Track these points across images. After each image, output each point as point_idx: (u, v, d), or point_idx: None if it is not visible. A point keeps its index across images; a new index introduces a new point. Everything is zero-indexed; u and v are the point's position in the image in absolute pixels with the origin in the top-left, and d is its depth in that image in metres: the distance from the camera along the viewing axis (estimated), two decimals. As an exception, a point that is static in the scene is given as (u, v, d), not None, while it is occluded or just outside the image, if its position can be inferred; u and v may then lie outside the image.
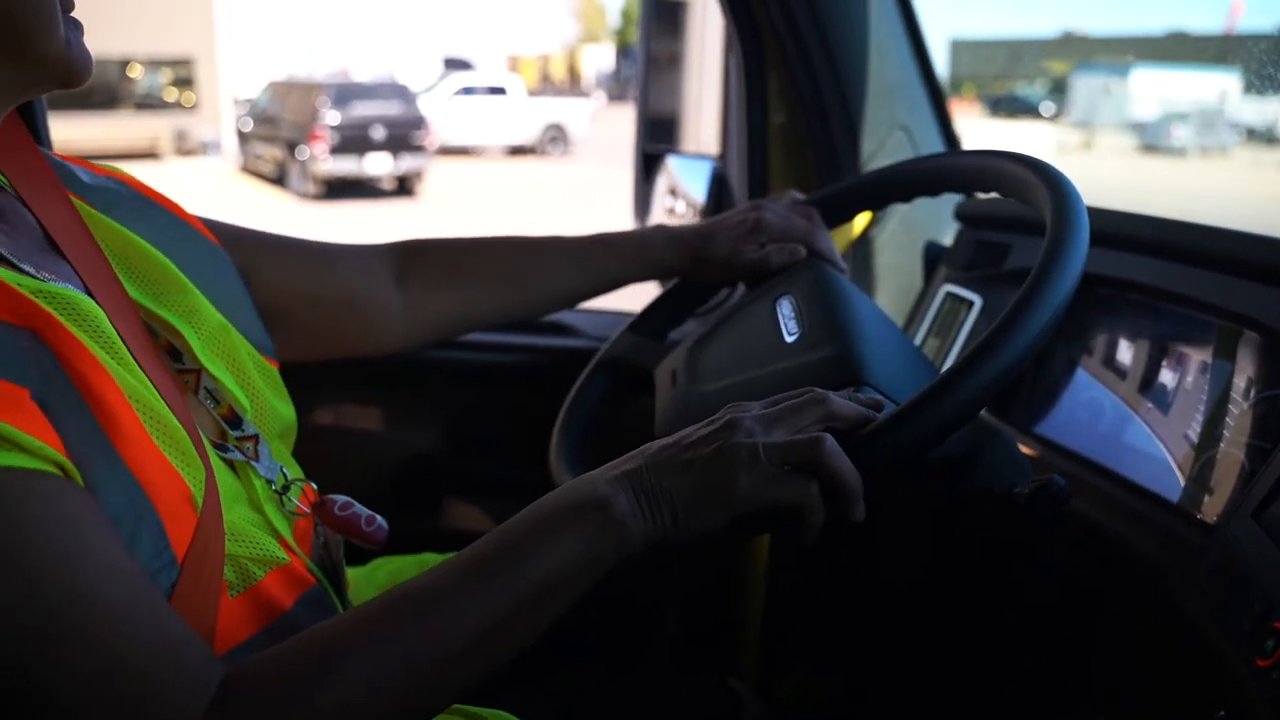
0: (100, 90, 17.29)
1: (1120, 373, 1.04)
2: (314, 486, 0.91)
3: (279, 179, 15.30)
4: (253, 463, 0.81)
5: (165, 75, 19.19)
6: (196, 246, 0.89)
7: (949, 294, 1.32)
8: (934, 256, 1.42)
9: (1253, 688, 0.71)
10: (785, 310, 0.99)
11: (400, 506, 1.08)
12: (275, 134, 15.51)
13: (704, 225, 1.12)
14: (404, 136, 14.52)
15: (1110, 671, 0.99)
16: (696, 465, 0.71)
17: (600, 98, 32.66)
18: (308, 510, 0.87)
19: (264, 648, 0.65)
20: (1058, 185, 0.88)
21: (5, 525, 0.57)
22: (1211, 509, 0.87)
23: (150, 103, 18.90)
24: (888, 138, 1.51)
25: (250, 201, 14.25)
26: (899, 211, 1.53)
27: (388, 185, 14.93)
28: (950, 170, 1.07)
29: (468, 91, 19.51)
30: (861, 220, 1.51)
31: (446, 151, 17.77)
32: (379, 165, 14.40)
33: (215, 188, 15.17)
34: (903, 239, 1.54)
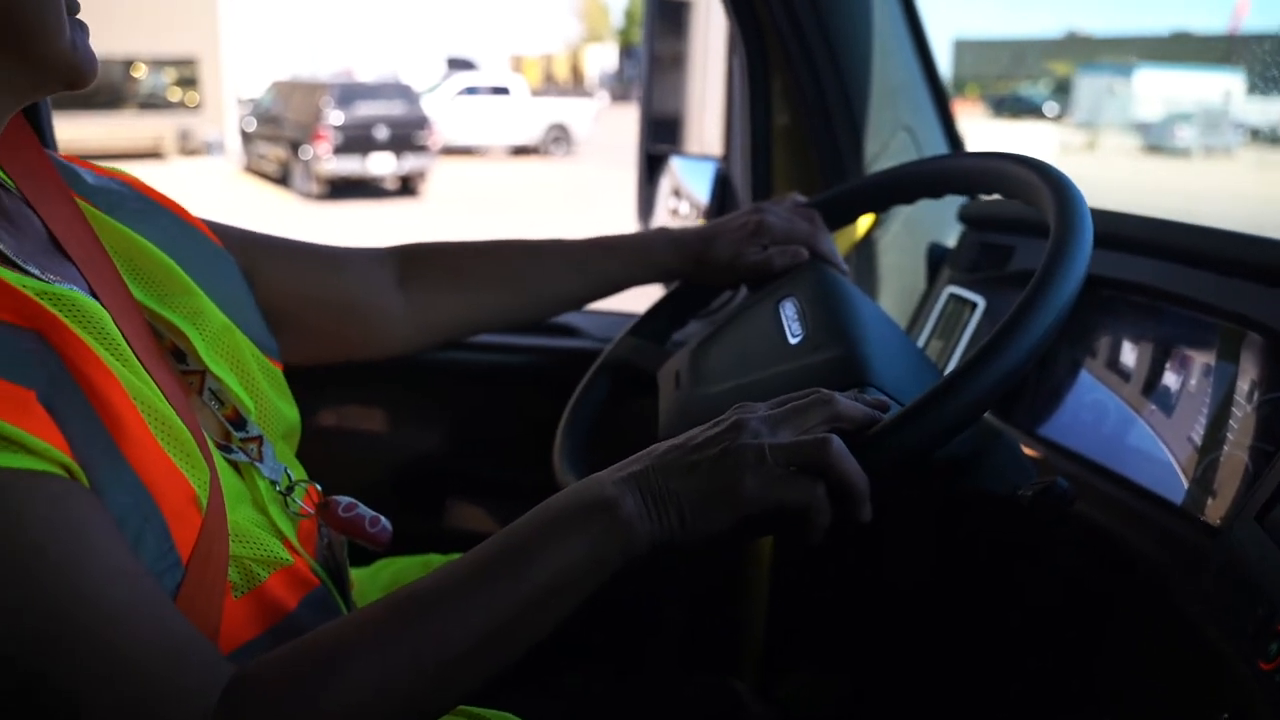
0: (104, 90, 17.32)
1: (1124, 375, 1.04)
2: (318, 487, 0.91)
3: (282, 179, 15.32)
4: (257, 464, 0.82)
5: (169, 75, 19.22)
6: (200, 248, 0.89)
7: (952, 295, 1.32)
8: (937, 258, 1.42)
9: (1256, 691, 0.71)
10: (789, 312, 0.99)
11: (404, 507, 1.08)
12: (279, 134, 15.53)
13: (705, 228, 1.13)
14: (407, 136, 14.53)
15: (1113, 673, 0.99)
16: (703, 466, 0.71)
17: (603, 98, 32.66)
18: (312, 511, 0.88)
19: (268, 649, 0.65)
20: (1061, 187, 0.88)
21: (11, 527, 0.57)
22: (1215, 511, 0.86)
23: (154, 103, 18.93)
24: (891, 139, 1.51)
25: (254, 201, 14.26)
26: (902, 213, 1.53)
27: (391, 185, 14.94)
28: (953, 172, 1.07)
29: (471, 91, 19.53)
30: (865, 222, 1.51)
31: (450, 151, 17.78)
32: (382, 165, 14.41)
33: (219, 187, 15.19)
34: (906, 240, 1.54)
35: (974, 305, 1.26)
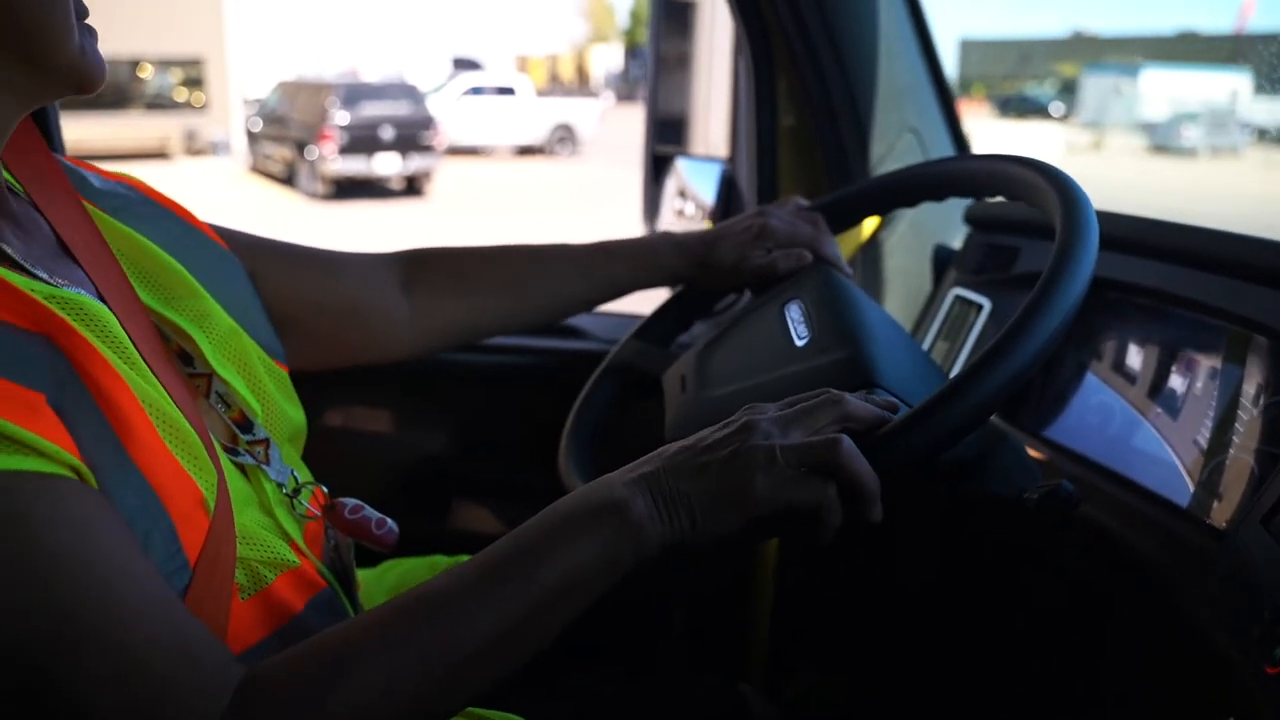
0: (111, 90, 17.33)
1: (1129, 377, 1.04)
2: (324, 489, 0.91)
3: (288, 179, 15.34)
4: (263, 466, 0.82)
5: (175, 75, 19.27)
6: (207, 251, 0.90)
7: (958, 297, 1.32)
8: (943, 260, 1.42)
9: (1261, 694, 0.71)
10: (794, 314, 0.99)
11: (410, 509, 1.08)
12: (284, 134, 15.55)
13: (709, 232, 1.13)
14: (413, 136, 14.54)
15: (1118, 676, 0.99)
16: (714, 468, 0.70)
17: (609, 98, 32.66)
18: (318, 513, 0.88)
19: (275, 651, 0.65)
20: (1066, 189, 0.88)
21: (21, 529, 0.57)
22: (1221, 515, 0.86)
23: (160, 103, 18.97)
24: (897, 140, 1.51)
25: (259, 201, 14.28)
26: (908, 215, 1.53)
27: (396, 185, 14.96)
28: (956, 175, 1.07)
29: (476, 91, 19.54)
30: (870, 224, 1.51)
31: (455, 151, 17.79)
32: (388, 165, 14.42)
33: (225, 187, 15.22)
34: (912, 242, 1.54)
35: (979, 307, 1.26)
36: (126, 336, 0.69)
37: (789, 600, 1.57)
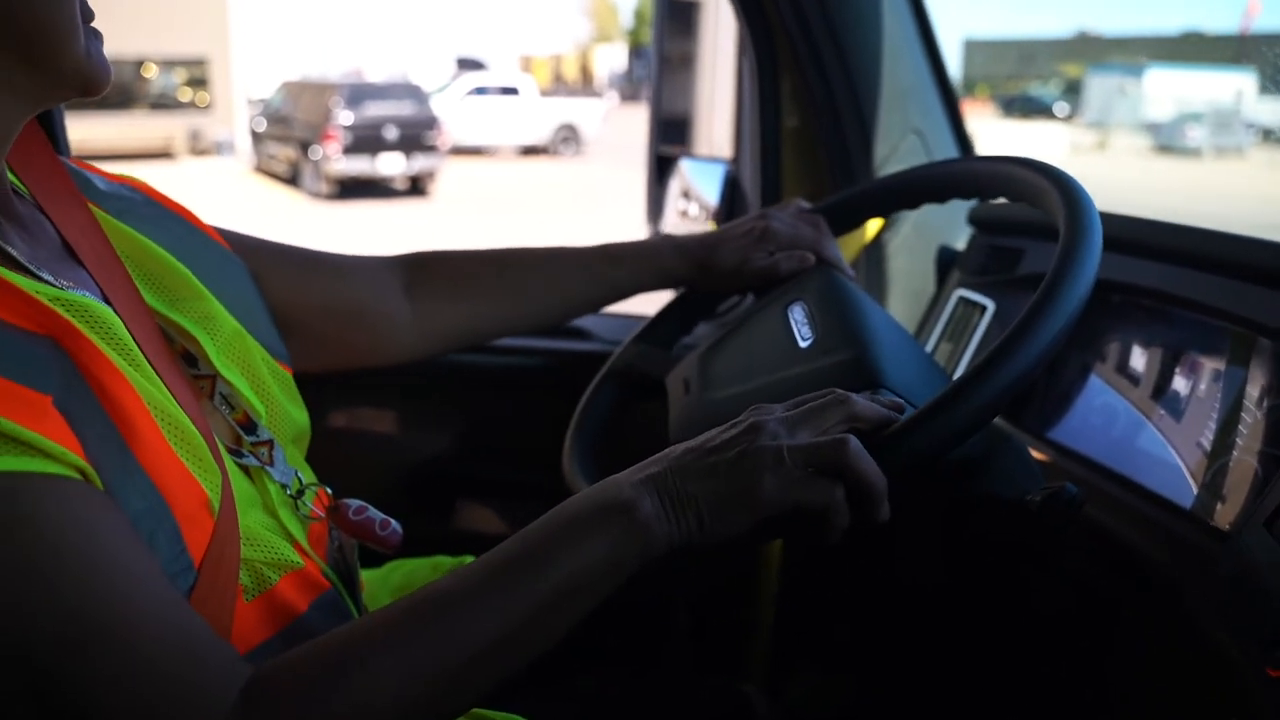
0: (115, 90, 17.32)
1: (1133, 379, 1.04)
2: (328, 491, 0.91)
3: (292, 179, 15.35)
4: (267, 468, 0.82)
5: (179, 75, 19.29)
6: (210, 253, 0.90)
7: (962, 298, 1.32)
8: (947, 261, 1.42)
9: (1264, 697, 0.71)
10: (798, 316, 0.99)
11: (414, 509, 1.08)
12: (288, 134, 15.56)
13: (710, 235, 1.13)
14: (417, 136, 14.55)
15: (1122, 678, 0.99)
16: (721, 469, 0.70)
17: (613, 98, 32.67)
18: (322, 514, 0.88)
19: (278, 651, 0.66)
20: (1069, 190, 0.88)
21: (27, 529, 0.58)
22: (1224, 517, 0.86)
23: (165, 103, 18.99)
24: (901, 142, 1.51)
25: (263, 201, 14.30)
26: (912, 216, 1.53)
27: (400, 185, 14.96)
28: (958, 177, 1.07)
29: (480, 91, 19.54)
30: (874, 225, 1.51)
31: (459, 151, 17.80)
32: (392, 165, 14.43)
33: (229, 187, 15.23)
34: (916, 243, 1.54)
35: (983, 308, 1.26)
36: (131, 338, 0.69)
37: (792, 601, 1.57)
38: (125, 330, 0.69)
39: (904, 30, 1.50)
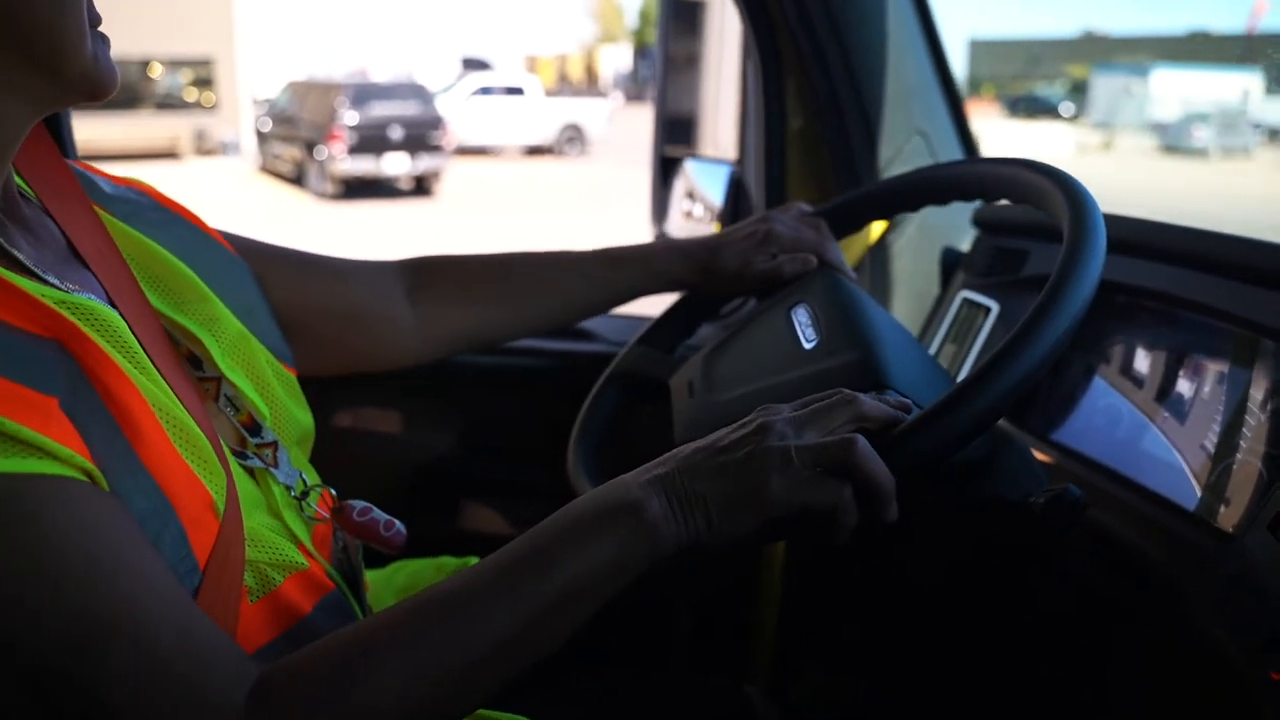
0: (121, 90, 17.07)
1: (1137, 380, 1.04)
2: (333, 492, 0.91)
3: (297, 179, 15.38)
4: (272, 469, 0.82)
5: (185, 75, 19.33)
6: (215, 256, 0.90)
7: (966, 300, 1.32)
8: (951, 262, 1.42)
9: (1266, 700, 0.71)
10: (801, 318, 0.99)
11: (418, 510, 1.09)
12: (294, 134, 15.59)
13: (712, 238, 1.13)
14: (422, 136, 14.56)
15: (1124, 680, 0.99)
16: (730, 469, 0.70)
17: (617, 98, 32.68)
18: (326, 515, 0.88)
19: (283, 652, 0.66)
20: (1073, 192, 0.88)
21: (32, 529, 0.58)
22: (1228, 519, 0.86)
23: (170, 103, 19.04)
24: (905, 143, 1.51)
25: (269, 201, 14.32)
26: (916, 217, 1.53)
27: (405, 185, 14.98)
28: (961, 179, 1.07)
29: (485, 92, 19.56)
30: (878, 226, 1.51)
31: (464, 151, 17.82)
32: (397, 165, 14.45)
33: (234, 187, 15.26)
34: (920, 244, 1.54)
35: (988, 310, 1.26)
36: (136, 341, 0.70)
37: (795, 602, 1.57)
38: (130, 333, 0.70)
39: (908, 31, 1.50)
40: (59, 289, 0.68)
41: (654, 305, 1.20)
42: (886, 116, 1.49)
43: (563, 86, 37.27)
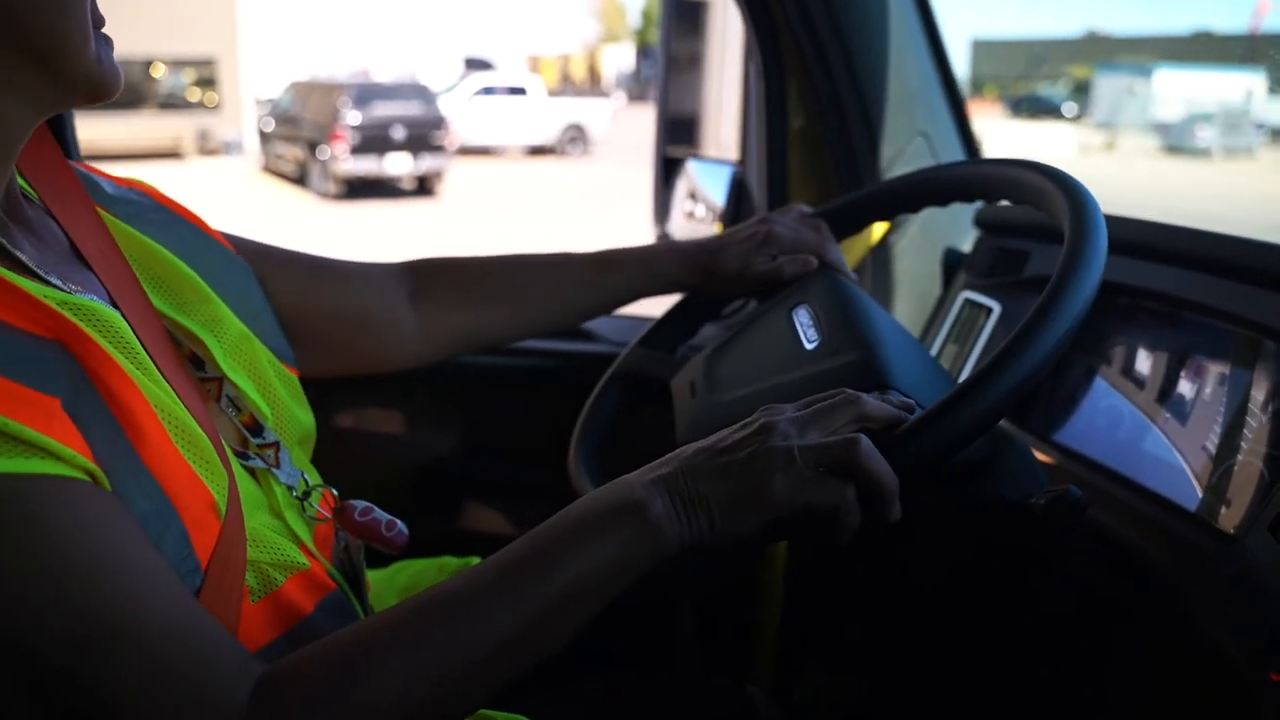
0: (124, 90, 17.10)
1: (1138, 381, 1.04)
2: (334, 492, 0.92)
3: (300, 179, 15.39)
4: (274, 470, 0.83)
5: (188, 75, 19.35)
6: (218, 257, 0.90)
7: (968, 300, 1.32)
8: (953, 263, 1.42)
9: (1266, 701, 0.71)
10: (803, 319, 0.99)
11: (420, 510, 1.09)
12: (296, 134, 15.60)
13: (712, 240, 1.13)
14: (424, 136, 14.57)
15: (1124, 680, 0.99)
16: (733, 469, 0.70)
17: (620, 98, 32.67)
18: (328, 516, 0.89)
19: (284, 652, 0.66)
20: (1074, 193, 0.88)
21: (35, 529, 0.58)
22: (1229, 520, 0.86)
23: (173, 103, 19.06)
24: (907, 144, 1.51)
25: (271, 201, 14.33)
26: (918, 218, 1.53)
27: (408, 185, 14.99)
28: (961, 180, 1.07)
29: (488, 91, 19.57)
30: (880, 227, 1.51)
31: (466, 151, 17.82)
32: (399, 165, 14.45)
33: (237, 187, 15.28)
34: (922, 245, 1.54)
35: (989, 310, 1.26)
36: (139, 342, 0.70)
37: (797, 602, 1.57)
38: (132, 334, 0.70)
39: (910, 32, 1.50)
40: (61, 290, 0.68)
41: (657, 306, 1.20)
42: (888, 117, 1.49)
43: (565, 86, 37.27)
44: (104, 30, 0.71)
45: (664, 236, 1.87)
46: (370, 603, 0.94)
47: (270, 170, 16.92)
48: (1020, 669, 1.16)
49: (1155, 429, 0.99)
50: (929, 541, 1.23)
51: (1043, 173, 0.93)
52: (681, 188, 1.82)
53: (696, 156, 1.91)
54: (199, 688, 0.60)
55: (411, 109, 14.83)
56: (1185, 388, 0.98)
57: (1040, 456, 1.08)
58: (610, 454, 1.04)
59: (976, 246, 1.37)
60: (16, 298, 0.63)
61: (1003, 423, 1.11)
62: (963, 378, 1.06)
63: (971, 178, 1.06)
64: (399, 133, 14.37)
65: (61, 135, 1.24)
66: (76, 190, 0.80)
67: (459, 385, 1.65)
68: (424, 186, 14.93)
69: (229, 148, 18.65)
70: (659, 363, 1.12)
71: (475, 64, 27.17)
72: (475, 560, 1.06)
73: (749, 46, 1.60)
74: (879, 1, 1.46)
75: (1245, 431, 0.89)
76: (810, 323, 0.98)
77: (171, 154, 17.86)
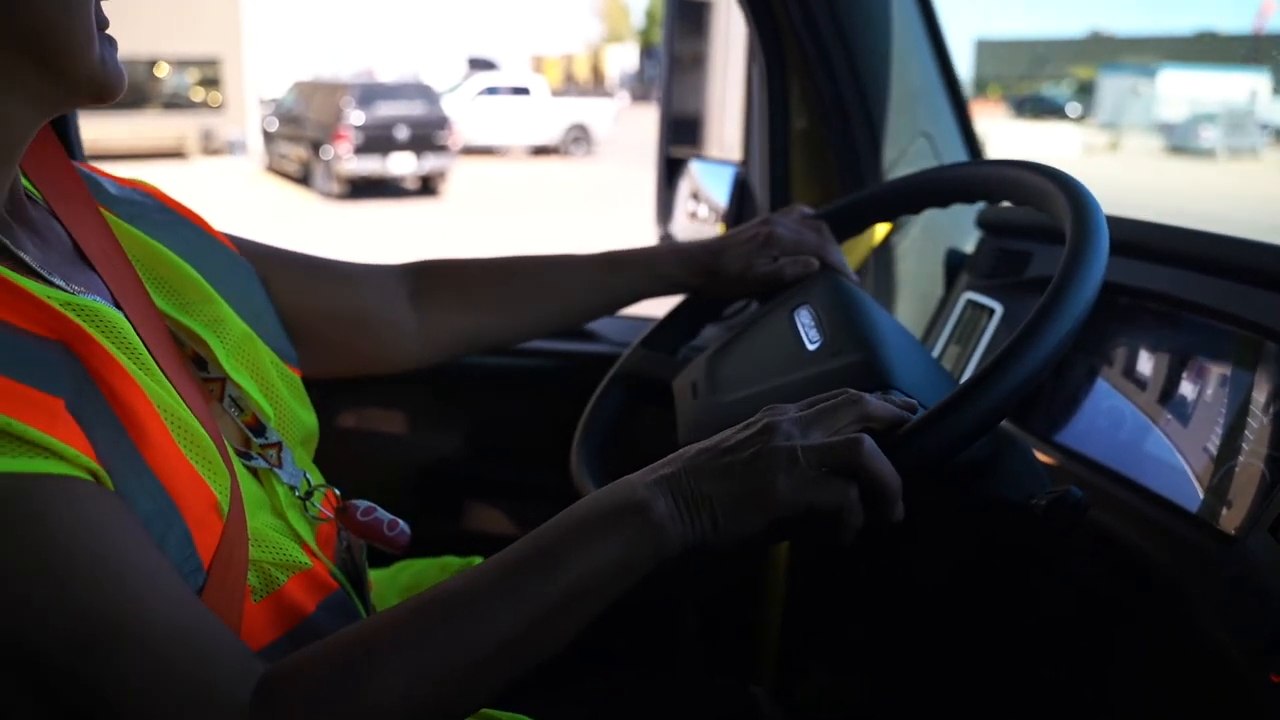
0: (128, 90, 17.18)
1: (1140, 382, 1.04)
2: (337, 492, 0.92)
3: (304, 178, 15.40)
4: (276, 469, 0.83)
5: (192, 75, 19.38)
6: (220, 257, 0.91)
7: (970, 301, 1.32)
8: (955, 264, 1.42)
9: (1267, 702, 0.71)
10: (805, 320, 0.99)
11: (422, 510, 1.09)
12: (300, 134, 15.62)
13: (713, 241, 1.13)
14: (428, 136, 14.58)
15: (1125, 681, 0.99)
16: (736, 469, 0.70)
17: (624, 98, 32.68)
18: (330, 515, 0.89)
19: (286, 652, 0.66)
20: (1075, 194, 0.88)
21: (38, 528, 0.58)
22: (1230, 521, 0.86)
23: (177, 102, 19.09)
24: (910, 145, 1.51)
25: (275, 201, 14.34)
26: (921, 219, 1.53)
27: (411, 185, 15.00)
28: (963, 181, 1.07)
29: (491, 91, 19.57)
30: (882, 228, 1.51)
31: (470, 151, 17.83)
32: (403, 165, 14.46)
33: (241, 187, 15.29)
34: (924, 246, 1.54)
35: (991, 311, 1.26)
36: (141, 342, 0.70)
37: (800, 602, 1.57)
38: (135, 334, 0.70)
39: (913, 33, 1.51)
40: (65, 291, 0.68)
41: (659, 307, 1.21)
42: (891, 118, 1.50)
43: (569, 86, 37.29)
44: (108, 31, 0.71)
45: (667, 237, 1.87)
46: (372, 602, 0.94)
47: (274, 170, 16.94)
48: (1021, 669, 1.16)
49: (1156, 430, 1.00)
50: (931, 542, 1.23)
51: (1044, 174, 0.93)
52: (684, 188, 1.82)
53: (699, 157, 1.91)
54: (201, 687, 0.60)
55: (415, 109, 14.84)
56: (1186, 389, 0.98)
57: (1042, 457, 1.08)
58: (612, 454, 1.04)
59: (979, 247, 1.37)
60: (20, 298, 0.64)
61: (1004, 423, 1.11)
62: (965, 379, 1.06)
63: (972, 179, 1.06)
64: (403, 133, 14.38)
65: (66, 136, 1.24)
66: (80, 191, 0.80)
67: (461, 385, 1.66)
68: (427, 186, 14.94)
69: (233, 148, 18.68)
70: (661, 363, 1.12)
71: (479, 64, 27.18)
72: (477, 560, 1.06)
73: (752, 47, 1.60)
74: (882, 2, 1.47)
75: (1246, 433, 0.89)
76: (812, 323, 0.98)
77: (175, 154, 17.89)
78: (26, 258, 0.68)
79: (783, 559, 1.58)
